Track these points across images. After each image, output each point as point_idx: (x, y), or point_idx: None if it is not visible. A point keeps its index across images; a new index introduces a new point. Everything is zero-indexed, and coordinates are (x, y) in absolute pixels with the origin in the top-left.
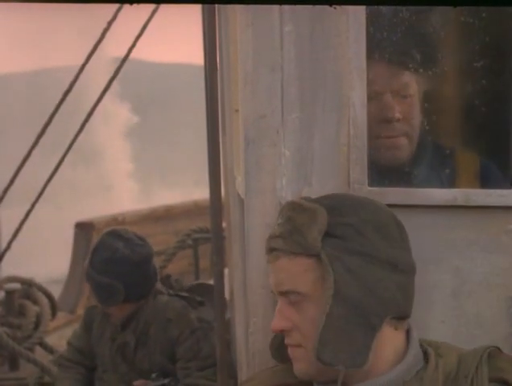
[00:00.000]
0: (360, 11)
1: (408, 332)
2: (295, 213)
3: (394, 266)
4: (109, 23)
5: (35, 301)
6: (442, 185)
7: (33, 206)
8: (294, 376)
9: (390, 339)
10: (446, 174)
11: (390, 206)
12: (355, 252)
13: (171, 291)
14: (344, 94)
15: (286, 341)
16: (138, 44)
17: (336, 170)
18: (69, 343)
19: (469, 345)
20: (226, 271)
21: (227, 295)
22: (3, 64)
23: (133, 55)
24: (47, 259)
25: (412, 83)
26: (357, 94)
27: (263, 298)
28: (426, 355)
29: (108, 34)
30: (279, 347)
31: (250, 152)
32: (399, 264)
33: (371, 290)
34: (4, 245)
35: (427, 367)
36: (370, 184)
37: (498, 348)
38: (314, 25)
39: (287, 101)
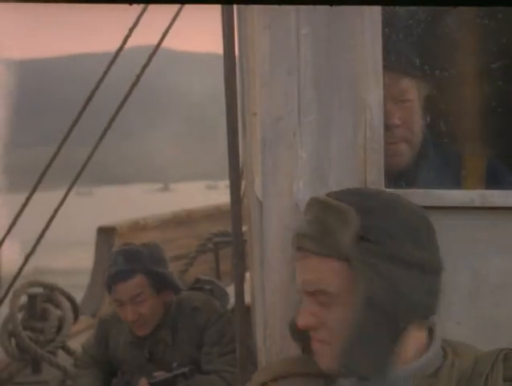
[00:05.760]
0: (376, 13)
1: (431, 328)
2: (325, 213)
3: (423, 269)
4: (131, 30)
5: (58, 306)
6: (445, 188)
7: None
8: (312, 366)
9: (413, 337)
10: (451, 177)
11: None
12: (387, 257)
13: (185, 287)
14: (360, 96)
15: (312, 335)
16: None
17: (353, 172)
18: (84, 349)
19: (485, 346)
20: (248, 274)
21: (248, 299)
22: (42, 49)
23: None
24: None
25: (411, 88)
26: (374, 96)
27: (281, 301)
28: (444, 353)
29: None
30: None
31: (267, 154)
32: (428, 266)
33: (401, 296)
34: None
35: (443, 365)
36: (387, 186)
37: None
38: (330, 27)
39: (304, 103)
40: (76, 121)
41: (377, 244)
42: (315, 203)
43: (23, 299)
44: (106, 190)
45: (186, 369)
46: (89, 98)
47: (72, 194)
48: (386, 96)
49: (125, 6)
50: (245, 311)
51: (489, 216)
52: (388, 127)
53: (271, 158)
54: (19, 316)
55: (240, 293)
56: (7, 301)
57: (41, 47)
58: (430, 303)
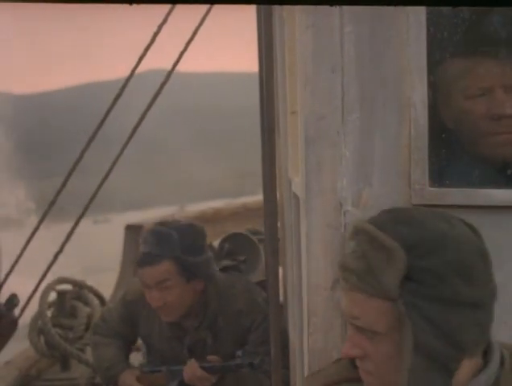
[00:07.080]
0: (420, 11)
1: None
2: (371, 249)
3: (475, 306)
4: (160, 27)
5: (87, 303)
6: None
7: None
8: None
9: (466, 368)
10: None
11: (450, 207)
12: (434, 298)
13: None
14: (404, 94)
15: (358, 364)
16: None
17: (397, 171)
18: (104, 318)
19: None
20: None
21: (281, 296)
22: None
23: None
24: None
25: None
26: (418, 94)
27: (323, 299)
28: (502, 357)
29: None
30: None
31: (311, 153)
32: (480, 302)
33: (449, 336)
34: None
35: (503, 370)
36: (431, 185)
37: None
38: (374, 25)
39: (348, 102)
40: (84, 150)
41: (423, 285)
42: (361, 232)
43: (52, 296)
44: (124, 217)
45: (256, 360)
46: (99, 126)
47: (89, 223)
48: (497, 85)
49: (138, 29)
50: (279, 309)
51: None
52: (499, 117)
53: (315, 157)
54: (48, 313)
55: (274, 292)
56: (36, 298)
57: (49, 79)
58: (481, 338)
